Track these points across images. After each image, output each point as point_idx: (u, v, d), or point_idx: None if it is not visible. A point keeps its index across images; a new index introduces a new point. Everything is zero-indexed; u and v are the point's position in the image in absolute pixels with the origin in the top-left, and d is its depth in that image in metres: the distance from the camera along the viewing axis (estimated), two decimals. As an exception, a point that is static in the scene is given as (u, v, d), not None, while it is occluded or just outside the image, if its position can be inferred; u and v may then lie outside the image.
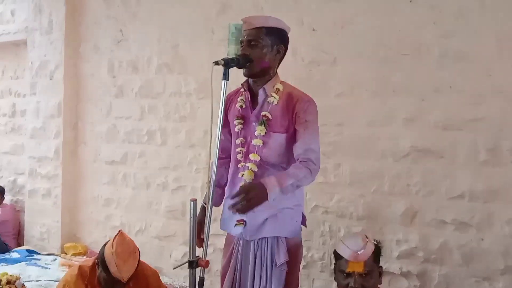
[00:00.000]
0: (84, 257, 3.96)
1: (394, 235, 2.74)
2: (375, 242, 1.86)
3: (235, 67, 1.76)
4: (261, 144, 1.81)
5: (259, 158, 1.82)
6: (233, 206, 1.65)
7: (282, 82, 1.87)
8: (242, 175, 1.85)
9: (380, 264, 1.89)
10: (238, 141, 1.88)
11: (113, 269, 1.99)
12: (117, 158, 3.93)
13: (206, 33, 3.41)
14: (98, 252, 3.94)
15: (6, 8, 4.72)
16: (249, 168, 1.83)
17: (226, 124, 1.91)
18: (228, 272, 1.93)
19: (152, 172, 3.74)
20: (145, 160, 3.79)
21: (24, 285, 2.81)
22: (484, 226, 2.53)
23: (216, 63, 1.67)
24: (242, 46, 1.81)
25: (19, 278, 2.82)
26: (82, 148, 4.18)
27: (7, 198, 4.62)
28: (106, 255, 2.02)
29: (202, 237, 1.88)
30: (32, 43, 4.33)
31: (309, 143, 1.79)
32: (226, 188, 1.98)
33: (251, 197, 1.62)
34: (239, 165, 1.87)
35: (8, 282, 2.68)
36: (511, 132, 2.46)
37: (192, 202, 1.67)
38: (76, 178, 4.20)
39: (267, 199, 1.67)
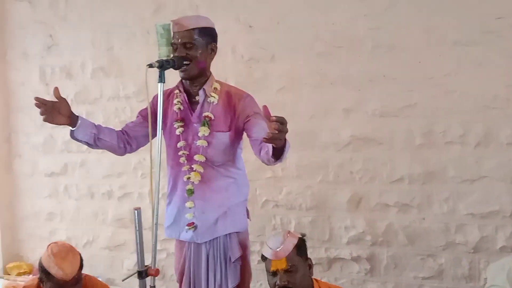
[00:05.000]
0: (30, 275, 3.75)
1: (342, 222, 2.83)
2: (300, 236, 1.82)
3: (171, 69, 1.72)
4: (206, 145, 1.80)
5: (205, 159, 1.81)
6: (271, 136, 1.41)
7: (218, 81, 1.88)
8: (188, 178, 1.83)
9: (308, 256, 1.82)
10: (180, 144, 1.85)
11: (53, 270, 1.87)
12: (56, 169, 3.74)
13: (141, 34, 3.32)
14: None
15: None
16: (195, 170, 1.81)
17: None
18: (184, 276, 1.93)
19: (96, 181, 3.60)
20: (87, 169, 3.64)
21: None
22: (424, 207, 2.67)
23: (150, 65, 1.63)
24: (175, 49, 1.79)
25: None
26: (17, 161, 3.94)
27: None
28: (43, 261, 1.92)
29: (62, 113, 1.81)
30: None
31: None
32: (168, 196, 1.94)
33: (285, 131, 1.43)
34: (183, 168, 1.84)
35: None
36: (441, 115, 2.61)
37: (136, 211, 1.62)
38: (13, 194, 3.95)
39: (285, 144, 1.53)
